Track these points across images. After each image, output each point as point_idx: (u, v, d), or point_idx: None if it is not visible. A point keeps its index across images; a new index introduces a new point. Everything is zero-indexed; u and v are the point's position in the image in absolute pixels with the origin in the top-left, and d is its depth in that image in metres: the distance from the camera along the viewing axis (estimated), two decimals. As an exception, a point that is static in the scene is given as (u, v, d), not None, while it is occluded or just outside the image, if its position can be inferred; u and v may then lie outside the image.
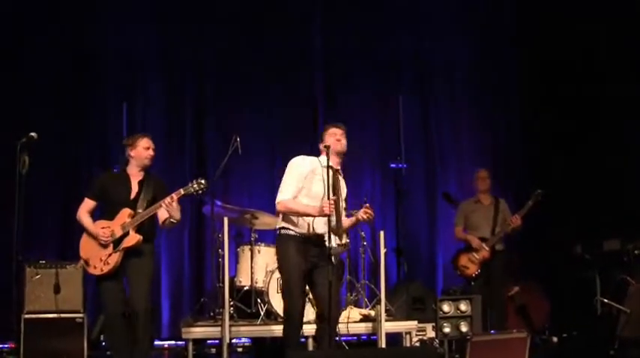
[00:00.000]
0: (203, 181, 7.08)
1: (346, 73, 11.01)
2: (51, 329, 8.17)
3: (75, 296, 8.31)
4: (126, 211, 7.10)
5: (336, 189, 6.70)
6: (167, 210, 7.05)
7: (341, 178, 6.94)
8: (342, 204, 6.93)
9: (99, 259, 7.06)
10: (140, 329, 7.07)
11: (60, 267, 8.38)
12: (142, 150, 7.26)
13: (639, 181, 10.01)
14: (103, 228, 7.07)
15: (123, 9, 10.42)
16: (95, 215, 7.26)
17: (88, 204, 7.24)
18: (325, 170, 6.71)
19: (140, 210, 7.10)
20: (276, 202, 6.79)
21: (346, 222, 6.98)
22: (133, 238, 7.04)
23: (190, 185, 7.07)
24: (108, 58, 10.38)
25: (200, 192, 7.13)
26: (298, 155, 6.90)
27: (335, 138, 6.81)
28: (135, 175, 7.28)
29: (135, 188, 7.24)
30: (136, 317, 7.04)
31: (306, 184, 6.76)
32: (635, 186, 10.01)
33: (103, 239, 7.03)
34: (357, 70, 11.05)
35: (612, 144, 10.39)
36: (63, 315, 8.24)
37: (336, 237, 6.70)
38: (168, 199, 7.01)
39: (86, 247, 7.16)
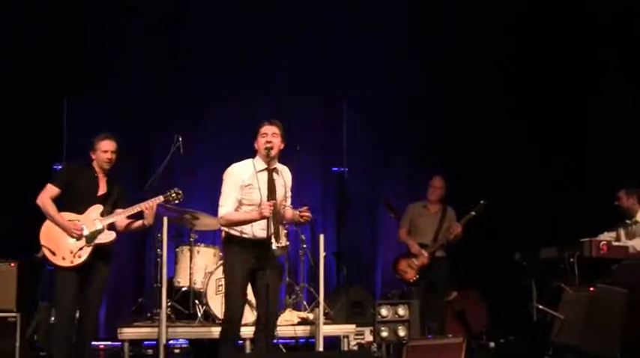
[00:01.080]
0: (180, 192, 7.42)
1: (291, 74, 10.99)
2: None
3: (7, 294, 8.11)
4: (97, 207, 7.14)
5: (272, 192, 6.70)
6: (145, 213, 7.18)
7: (279, 176, 6.91)
8: (285, 202, 6.95)
9: (69, 251, 7.00)
10: (87, 331, 7.14)
11: (-10, 265, 8.19)
12: (101, 153, 7.19)
13: (576, 190, 10.15)
14: (70, 220, 7.04)
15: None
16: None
17: (51, 191, 7.11)
18: (261, 174, 6.73)
19: (109, 209, 7.19)
20: (219, 217, 6.82)
21: (288, 213, 6.99)
22: (109, 235, 7.14)
23: (169, 193, 7.36)
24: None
25: (177, 201, 7.48)
26: (240, 156, 6.89)
27: (265, 139, 6.78)
28: (101, 174, 7.27)
29: (102, 187, 7.24)
30: (84, 319, 7.12)
31: (244, 194, 6.76)
32: (571, 195, 10.15)
33: (75, 233, 6.99)
34: (302, 72, 11.03)
35: (551, 153, 10.52)
36: (-6, 314, 8.08)
37: (279, 239, 6.71)
38: (150, 203, 7.18)
39: (49, 236, 7.06)
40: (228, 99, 10.75)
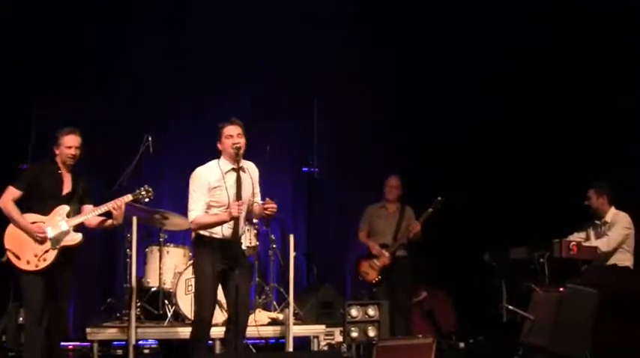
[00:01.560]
0: (150, 189, 7.19)
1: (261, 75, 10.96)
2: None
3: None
4: (62, 208, 6.98)
5: (240, 192, 6.68)
6: (114, 214, 7.01)
7: (246, 173, 6.90)
8: (253, 199, 6.94)
9: (33, 254, 6.84)
10: (57, 332, 7.05)
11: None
12: (65, 149, 7.02)
13: (546, 190, 10.19)
14: (34, 222, 6.88)
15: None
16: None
17: (12, 193, 6.94)
18: (228, 175, 6.72)
19: (72, 208, 7.02)
20: (190, 222, 6.81)
21: (256, 208, 6.99)
22: (75, 237, 6.97)
23: (138, 191, 7.15)
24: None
25: (147, 199, 7.25)
26: (208, 157, 6.87)
27: (232, 140, 6.77)
28: (65, 171, 7.11)
29: (67, 184, 7.08)
30: (54, 320, 6.98)
31: (212, 196, 6.74)
32: (542, 195, 10.19)
33: (39, 236, 6.83)
34: (273, 72, 10.99)
35: (522, 153, 10.56)
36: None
37: (248, 240, 6.70)
38: (118, 203, 6.98)
39: (14, 239, 6.90)
40: (199, 100, 10.69)
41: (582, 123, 10.40)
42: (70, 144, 7.02)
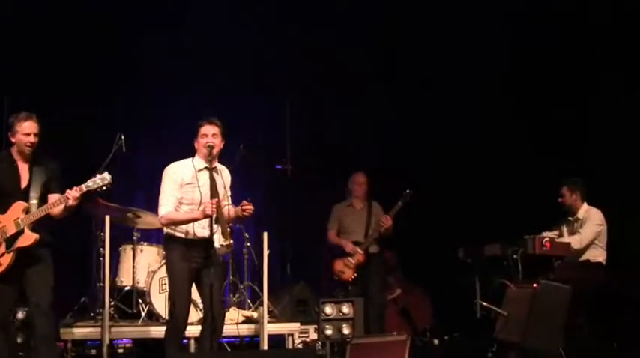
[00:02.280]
0: (108, 177, 6.56)
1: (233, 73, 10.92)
2: None
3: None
4: (20, 205, 6.51)
5: (214, 190, 6.66)
6: (72, 204, 6.46)
7: (219, 175, 6.89)
8: (225, 201, 6.91)
9: None
10: (42, 332, 6.61)
11: None
12: (22, 136, 6.53)
13: (519, 187, 10.23)
14: None
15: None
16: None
17: None
18: (200, 173, 6.71)
19: (34, 201, 6.54)
20: (160, 217, 6.78)
21: (232, 211, 6.97)
22: (29, 237, 6.45)
23: (93, 180, 6.54)
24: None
25: (104, 188, 6.59)
26: (181, 155, 6.85)
27: (206, 139, 6.76)
28: (23, 160, 6.63)
29: (25, 176, 6.61)
30: (36, 322, 6.60)
31: (184, 193, 6.72)
32: (515, 192, 10.23)
33: None
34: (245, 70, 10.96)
35: (494, 151, 10.59)
36: None
37: (221, 238, 6.68)
38: (75, 194, 6.43)
39: None
40: (171, 99, 10.64)
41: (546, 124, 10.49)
42: (27, 131, 6.53)
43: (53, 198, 6.65)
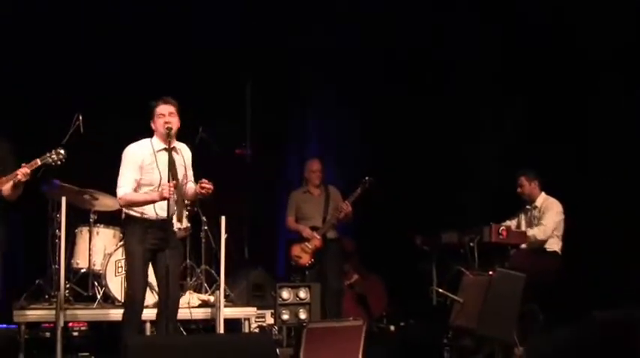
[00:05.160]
0: (62, 151, 6.71)
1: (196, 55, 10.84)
2: None
3: None
4: None
5: (173, 172, 6.62)
6: (23, 180, 6.56)
7: (179, 155, 6.85)
8: (186, 181, 6.87)
9: None
10: None
11: None
12: None
13: (477, 174, 10.29)
14: None
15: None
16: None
17: None
18: (160, 153, 6.66)
19: None
20: (118, 198, 6.75)
21: (190, 190, 6.94)
22: None
23: (48, 155, 6.67)
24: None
25: (59, 163, 6.75)
26: (139, 135, 6.80)
27: (164, 119, 6.70)
28: None
29: None
30: None
31: (143, 174, 6.67)
32: (473, 179, 10.29)
33: None
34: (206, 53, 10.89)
35: (454, 138, 10.63)
36: None
37: (178, 222, 6.66)
38: (25, 169, 6.52)
39: None
40: (131, 79, 10.53)
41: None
42: None
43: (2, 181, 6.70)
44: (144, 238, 6.70)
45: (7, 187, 6.69)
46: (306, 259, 9.43)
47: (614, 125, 9.37)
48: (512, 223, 9.19)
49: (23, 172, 6.51)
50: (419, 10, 10.66)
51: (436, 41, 10.86)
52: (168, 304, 6.69)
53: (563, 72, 9.80)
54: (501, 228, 8.49)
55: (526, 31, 10.08)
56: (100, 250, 8.79)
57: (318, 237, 9.42)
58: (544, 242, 8.88)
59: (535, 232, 8.86)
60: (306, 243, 9.45)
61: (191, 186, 6.97)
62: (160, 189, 6.56)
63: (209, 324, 8.85)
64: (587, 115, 9.68)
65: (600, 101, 9.59)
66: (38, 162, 6.63)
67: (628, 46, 9.37)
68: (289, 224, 9.73)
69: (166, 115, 6.71)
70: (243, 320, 8.81)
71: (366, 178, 9.34)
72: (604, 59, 9.58)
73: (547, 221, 8.91)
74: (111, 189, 7.89)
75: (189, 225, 8.92)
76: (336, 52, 11.23)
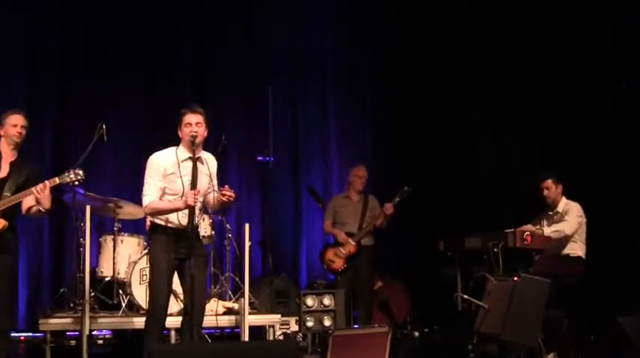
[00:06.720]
0: (80, 172, 6.74)
1: (216, 63, 10.88)
2: None
3: None
4: None
5: (195, 180, 6.64)
6: (38, 197, 6.65)
7: (204, 165, 6.85)
8: (210, 191, 6.89)
9: None
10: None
11: None
12: (10, 127, 6.78)
13: (498, 181, 10.27)
14: None
15: None
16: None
17: None
18: (184, 164, 6.68)
19: (7, 193, 6.65)
20: (143, 206, 6.76)
21: (210, 198, 6.96)
22: None
23: (67, 174, 6.72)
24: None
25: (76, 183, 6.81)
26: (164, 145, 6.81)
27: (190, 128, 6.71)
28: (7, 155, 6.82)
29: (5, 168, 6.77)
30: None
31: (168, 183, 6.69)
32: (494, 185, 10.26)
33: None
34: (227, 60, 10.93)
35: (476, 144, 10.62)
36: None
37: (204, 229, 6.66)
38: (40, 186, 6.59)
39: None
40: (155, 88, 10.60)
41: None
42: (15, 122, 6.81)
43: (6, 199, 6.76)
44: (169, 246, 6.70)
45: (29, 204, 6.82)
46: (339, 264, 9.47)
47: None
48: (534, 227, 9.10)
49: (39, 188, 6.60)
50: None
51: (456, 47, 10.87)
52: (193, 312, 6.69)
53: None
54: (526, 233, 8.42)
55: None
56: (125, 258, 8.82)
57: (353, 243, 9.44)
58: (564, 241, 8.80)
59: (558, 227, 8.76)
60: (340, 248, 9.50)
61: (210, 195, 6.97)
62: (184, 198, 6.58)
63: (234, 332, 8.87)
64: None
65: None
66: (57, 180, 6.69)
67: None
68: (326, 228, 9.83)
69: (193, 125, 6.72)
70: (267, 328, 8.81)
71: (405, 187, 9.41)
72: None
73: (571, 218, 8.82)
74: (135, 198, 7.98)
75: (213, 232, 8.95)
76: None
